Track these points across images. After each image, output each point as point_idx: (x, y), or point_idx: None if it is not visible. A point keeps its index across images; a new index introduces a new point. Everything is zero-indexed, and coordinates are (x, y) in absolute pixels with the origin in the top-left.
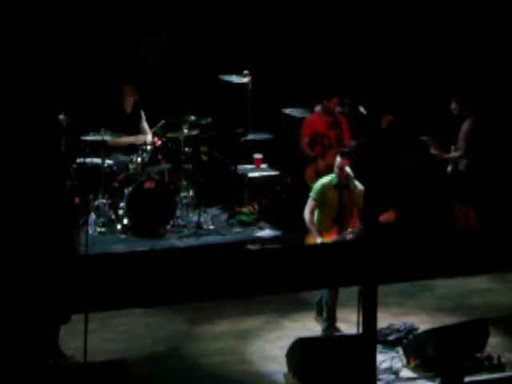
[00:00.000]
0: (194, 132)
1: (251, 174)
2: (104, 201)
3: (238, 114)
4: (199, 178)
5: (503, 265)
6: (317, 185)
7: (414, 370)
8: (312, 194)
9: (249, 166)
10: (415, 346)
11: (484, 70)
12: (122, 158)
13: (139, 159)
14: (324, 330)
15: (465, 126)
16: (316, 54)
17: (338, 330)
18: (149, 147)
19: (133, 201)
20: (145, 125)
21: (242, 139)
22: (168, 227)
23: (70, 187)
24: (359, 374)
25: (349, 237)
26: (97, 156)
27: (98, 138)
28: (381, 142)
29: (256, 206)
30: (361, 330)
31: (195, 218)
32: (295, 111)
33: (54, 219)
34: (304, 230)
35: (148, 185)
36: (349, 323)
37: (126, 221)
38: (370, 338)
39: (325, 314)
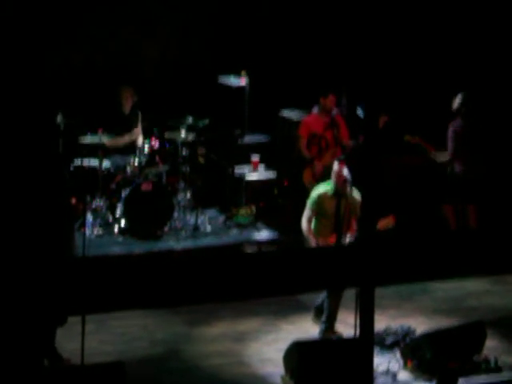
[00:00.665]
0: (192, 134)
1: (248, 176)
2: (101, 203)
3: (235, 116)
4: (196, 180)
5: (500, 267)
6: (313, 195)
7: (412, 372)
8: (309, 204)
9: (246, 168)
10: (412, 349)
11: (478, 70)
12: (120, 159)
13: (137, 161)
14: (321, 333)
15: (450, 128)
16: (313, 56)
17: (335, 332)
18: (146, 149)
19: (130, 203)
20: (139, 128)
21: (240, 141)
22: (165, 229)
23: (66, 189)
24: (356, 376)
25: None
26: (94, 158)
27: (95, 139)
28: (378, 143)
29: (253, 208)
30: (358, 333)
31: (192, 220)
32: (292, 113)
33: (50, 220)
34: (301, 233)
35: (145, 187)
36: (346, 325)
37: (123, 223)
38: (368, 341)
39: (324, 317)
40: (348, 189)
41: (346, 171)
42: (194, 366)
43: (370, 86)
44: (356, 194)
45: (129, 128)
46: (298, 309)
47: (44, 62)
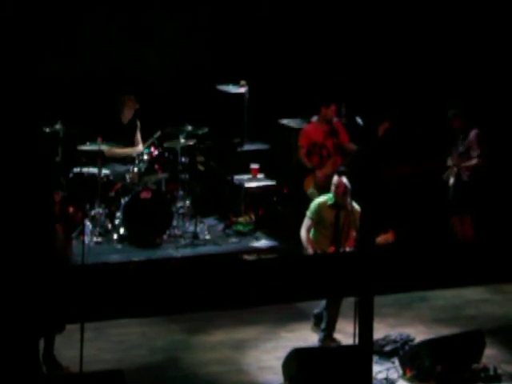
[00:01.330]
0: (191, 142)
1: (248, 184)
2: (100, 210)
3: (234, 124)
4: (196, 187)
5: (499, 276)
6: (313, 204)
7: (410, 380)
8: (308, 213)
9: (245, 176)
10: (411, 357)
11: (480, 78)
12: (119, 167)
13: (136, 169)
14: (321, 341)
15: (473, 134)
16: (313, 64)
17: (334, 340)
18: (145, 157)
19: (129, 211)
20: (138, 136)
21: (239, 149)
22: (164, 237)
23: (63, 197)
24: None
25: None
26: (93, 166)
27: (94, 147)
28: (378, 151)
29: (252, 216)
30: (357, 341)
31: (192, 228)
32: (292, 121)
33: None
34: (300, 241)
35: (144, 195)
36: (345, 334)
37: (122, 230)
38: (366, 349)
39: (323, 325)
40: (348, 200)
41: (345, 181)
42: (192, 374)
43: (369, 95)
44: (356, 206)
45: (127, 136)
46: (298, 317)
47: (33, 70)
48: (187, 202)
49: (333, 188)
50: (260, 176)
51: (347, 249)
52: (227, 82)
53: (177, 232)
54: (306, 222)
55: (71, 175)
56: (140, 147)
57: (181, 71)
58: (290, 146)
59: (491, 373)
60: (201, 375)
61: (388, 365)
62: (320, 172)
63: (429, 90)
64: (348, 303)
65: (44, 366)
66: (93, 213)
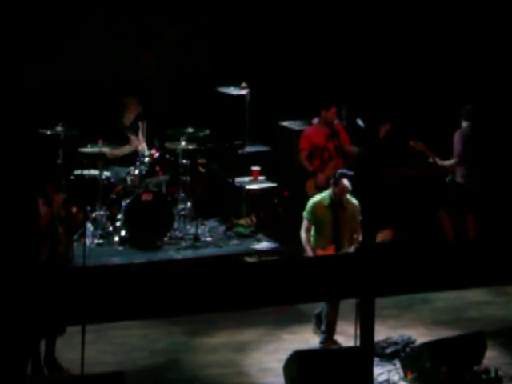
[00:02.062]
0: (192, 144)
1: (249, 187)
2: (102, 213)
3: (235, 127)
4: (197, 190)
5: (500, 278)
6: (308, 204)
7: (412, 383)
8: (305, 214)
9: (246, 179)
10: (412, 359)
11: (482, 77)
12: (120, 169)
13: (137, 171)
14: (322, 343)
15: (458, 132)
16: (314, 66)
17: (335, 342)
18: (146, 159)
19: (130, 213)
20: (140, 136)
21: (240, 151)
22: (165, 239)
23: (64, 199)
24: None
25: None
26: (95, 168)
27: (95, 149)
28: (379, 153)
29: (253, 219)
30: (358, 343)
31: (193, 230)
32: (293, 124)
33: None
34: (301, 243)
35: (146, 197)
36: (346, 336)
37: (123, 233)
38: (368, 351)
39: (323, 327)
40: (346, 198)
41: (347, 184)
42: (193, 377)
43: (371, 96)
44: (355, 201)
45: (129, 138)
46: (299, 319)
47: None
48: (188, 204)
49: (334, 190)
50: (261, 178)
51: (351, 246)
52: (228, 84)
53: (178, 234)
54: (304, 223)
55: (72, 177)
56: (144, 146)
57: (182, 73)
58: (291, 148)
59: (492, 375)
60: (202, 377)
61: (389, 367)
62: (321, 175)
63: (430, 90)
64: (349, 305)
65: (45, 368)
66: (94, 215)
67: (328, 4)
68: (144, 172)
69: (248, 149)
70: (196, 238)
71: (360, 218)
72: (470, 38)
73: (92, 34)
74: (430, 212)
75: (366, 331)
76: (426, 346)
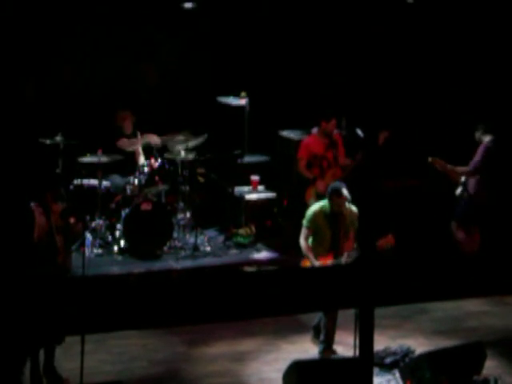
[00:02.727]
0: (191, 154)
1: (248, 196)
2: (101, 222)
3: (235, 136)
4: (196, 199)
5: (500, 288)
6: (308, 212)
7: None
8: (304, 222)
9: (245, 188)
10: (412, 369)
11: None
12: (119, 179)
13: (136, 181)
14: (321, 353)
15: (483, 145)
16: (313, 76)
17: (334, 352)
18: (146, 169)
19: (130, 222)
20: (139, 148)
21: (239, 161)
22: (165, 249)
23: (63, 209)
24: None
25: (345, 260)
26: (94, 177)
27: (94, 159)
28: (377, 161)
29: (253, 228)
30: (357, 353)
31: (192, 240)
32: (292, 133)
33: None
34: (301, 252)
35: (145, 206)
36: (345, 346)
37: (122, 242)
38: (367, 361)
39: (322, 337)
40: (345, 207)
41: (346, 194)
42: None
43: (369, 104)
44: (354, 208)
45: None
46: (298, 328)
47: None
48: (187, 214)
49: (334, 201)
50: (260, 188)
51: (346, 253)
52: (228, 94)
53: (177, 244)
54: (303, 231)
55: (71, 187)
56: (142, 159)
57: (182, 84)
58: (290, 157)
59: None
60: None
61: (388, 377)
62: (321, 183)
63: (430, 100)
64: (348, 315)
65: (44, 378)
66: (93, 224)
67: (326, 12)
68: (143, 182)
69: (247, 158)
70: (195, 247)
71: (356, 225)
72: (467, 47)
73: (92, 46)
74: (431, 222)
75: (366, 341)
76: (426, 355)
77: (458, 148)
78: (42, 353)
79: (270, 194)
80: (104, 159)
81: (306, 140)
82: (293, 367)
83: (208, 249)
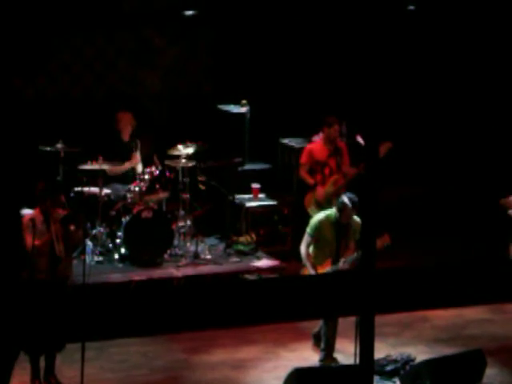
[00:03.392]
0: (192, 162)
1: (249, 204)
2: (101, 230)
3: (235, 144)
4: (197, 207)
5: (501, 296)
6: (313, 220)
7: None
8: (308, 230)
9: (246, 196)
10: (412, 377)
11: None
12: (120, 187)
13: (137, 188)
14: (321, 361)
15: None
16: (314, 83)
17: (335, 360)
18: (146, 177)
19: (130, 230)
20: (138, 155)
21: (240, 169)
22: (165, 256)
23: (64, 216)
24: None
25: (342, 266)
26: (94, 185)
27: (95, 167)
28: (379, 172)
29: (253, 236)
30: (358, 361)
31: (193, 248)
32: (293, 141)
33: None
34: (301, 260)
35: (145, 214)
36: (346, 354)
37: (123, 250)
38: (367, 369)
39: (322, 345)
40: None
41: (346, 198)
42: None
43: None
44: (357, 218)
45: (128, 155)
46: (298, 336)
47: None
48: (188, 222)
49: (346, 212)
50: (261, 196)
51: (343, 259)
52: (228, 102)
53: (178, 251)
54: (306, 239)
55: (72, 194)
56: (140, 167)
57: (182, 91)
58: (291, 165)
59: None
60: None
61: None
62: (321, 189)
63: (432, 110)
64: (349, 323)
65: None
66: (94, 232)
67: (327, 21)
68: (144, 189)
69: (248, 166)
70: (196, 255)
71: (358, 236)
72: (470, 55)
73: (92, 53)
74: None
75: (366, 349)
76: (426, 363)
77: (461, 155)
78: (42, 360)
79: (271, 202)
80: (105, 167)
81: (310, 146)
82: (293, 375)
83: (208, 256)
